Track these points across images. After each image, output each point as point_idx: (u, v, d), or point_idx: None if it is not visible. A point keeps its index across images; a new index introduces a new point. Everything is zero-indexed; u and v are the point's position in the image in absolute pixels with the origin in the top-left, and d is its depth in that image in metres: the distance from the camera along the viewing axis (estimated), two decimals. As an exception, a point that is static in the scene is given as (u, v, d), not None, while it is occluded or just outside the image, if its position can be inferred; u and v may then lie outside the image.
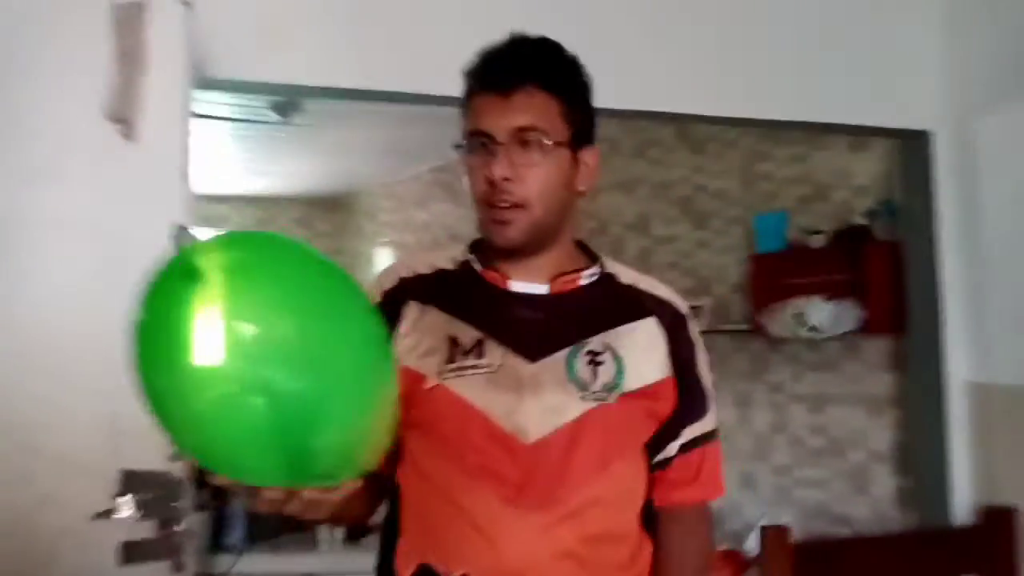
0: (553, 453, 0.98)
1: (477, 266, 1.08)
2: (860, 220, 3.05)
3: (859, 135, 2.83)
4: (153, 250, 1.52)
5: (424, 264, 1.11)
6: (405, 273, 1.10)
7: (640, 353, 1.04)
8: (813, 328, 3.07)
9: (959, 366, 2.59)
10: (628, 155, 4.01)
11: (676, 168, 3.83)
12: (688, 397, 1.08)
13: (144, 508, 1.53)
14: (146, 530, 1.51)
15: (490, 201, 1.00)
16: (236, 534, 2.28)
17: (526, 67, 1.01)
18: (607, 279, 1.10)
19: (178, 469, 1.55)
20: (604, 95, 2.14)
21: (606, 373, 1.01)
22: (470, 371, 1.00)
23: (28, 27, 1.59)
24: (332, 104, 4.04)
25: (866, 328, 3.03)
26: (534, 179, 1.00)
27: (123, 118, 1.51)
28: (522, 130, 0.99)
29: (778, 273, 3.30)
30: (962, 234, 2.57)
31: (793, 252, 3.28)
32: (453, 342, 1.02)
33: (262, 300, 0.76)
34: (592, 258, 1.12)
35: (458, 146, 1.04)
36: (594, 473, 1.00)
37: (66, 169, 1.54)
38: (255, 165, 5.52)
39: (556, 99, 1.02)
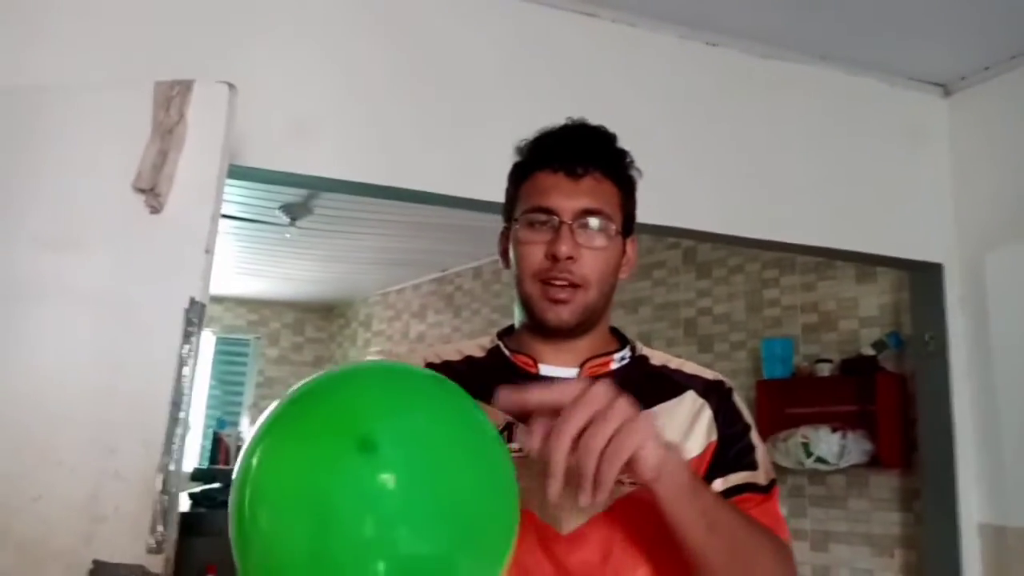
0: (590, 543, 0.92)
1: (506, 352, 1.05)
2: (867, 350, 3.04)
3: (874, 264, 2.87)
4: (164, 328, 1.50)
5: (453, 352, 1.08)
6: (431, 358, 1.06)
7: (681, 429, 0.99)
8: (820, 459, 2.99)
9: (971, 506, 2.50)
10: (633, 275, 4.03)
11: (681, 291, 3.84)
12: (735, 450, 0.99)
13: (114, 605, 1.39)
14: (114, 631, 1.37)
15: (547, 278, 0.98)
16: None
17: (594, 153, 1.01)
18: (639, 361, 1.06)
19: (157, 563, 1.42)
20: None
21: None
22: None
23: (63, 96, 1.59)
24: (341, 210, 4.10)
25: (875, 462, 2.95)
26: (595, 261, 0.99)
27: (153, 190, 1.49)
28: (589, 212, 0.99)
29: (784, 400, 3.25)
30: (973, 368, 2.55)
31: (799, 380, 3.25)
32: None
33: (428, 470, 0.65)
34: (623, 342, 1.08)
35: (512, 219, 1.02)
36: (636, 562, 0.92)
37: (87, 239, 1.51)
38: (253, 266, 5.52)
39: (617, 188, 1.02)
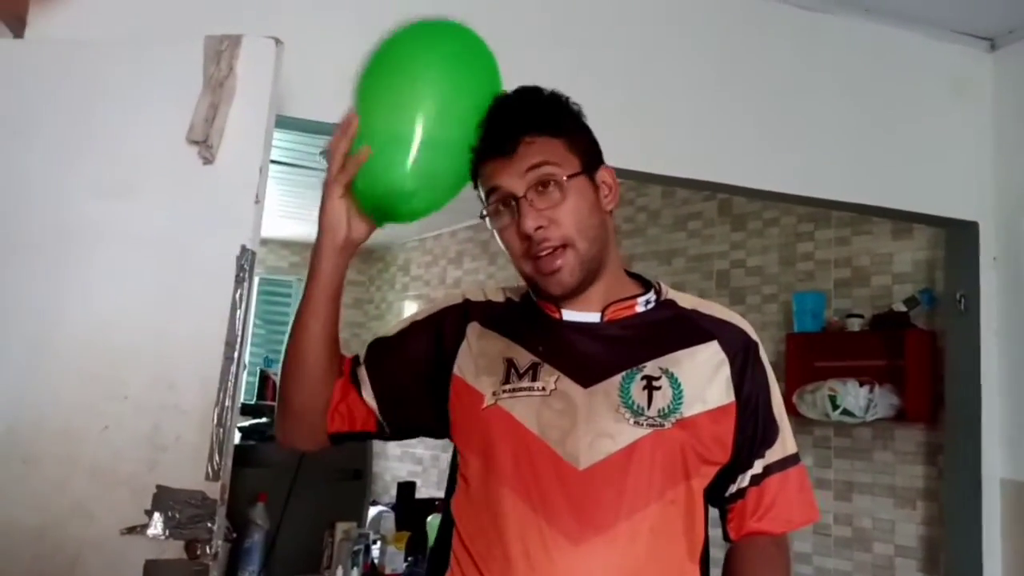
0: (604, 480, 0.97)
1: (534, 298, 1.11)
2: (899, 307, 3.05)
3: (908, 221, 2.86)
4: (217, 273, 1.59)
5: (496, 292, 1.17)
6: (472, 296, 1.15)
7: (701, 378, 1.03)
8: (846, 412, 3.04)
9: (994, 462, 2.54)
10: (668, 227, 4.05)
11: (715, 243, 3.86)
12: (757, 426, 1.05)
13: (174, 526, 1.51)
14: (175, 550, 1.50)
15: (532, 254, 1.03)
16: (253, 568, 2.25)
17: (516, 124, 1.04)
18: (666, 304, 1.10)
19: (214, 490, 1.55)
20: (652, 161, 2.24)
21: (662, 398, 1.00)
22: (524, 393, 1.01)
23: (121, 52, 1.67)
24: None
25: (901, 416, 2.99)
26: (566, 215, 1.02)
27: (206, 142, 1.56)
28: (533, 169, 1.02)
29: (814, 354, 3.29)
30: (1003, 328, 2.56)
31: (830, 334, 3.27)
32: (510, 364, 1.04)
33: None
34: (647, 286, 1.12)
35: (484, 214, 1.07)
36: (647, 501, 0.98)
37: (142, 187, 1.60)
38: (295, 209, 5.63)
39: (554, 138, 1.04)
